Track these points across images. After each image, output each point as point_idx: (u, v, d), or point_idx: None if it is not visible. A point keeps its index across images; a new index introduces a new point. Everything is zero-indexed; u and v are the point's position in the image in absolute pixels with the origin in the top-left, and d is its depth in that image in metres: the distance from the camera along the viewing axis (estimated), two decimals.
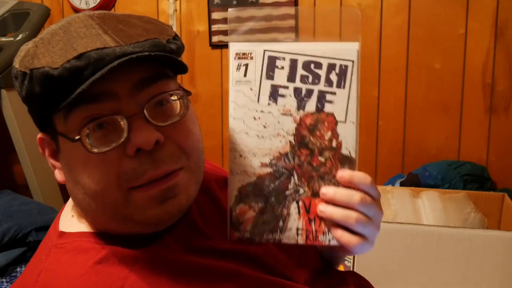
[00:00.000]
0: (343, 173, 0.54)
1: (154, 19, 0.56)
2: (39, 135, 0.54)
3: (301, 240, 0.57)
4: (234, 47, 0.59)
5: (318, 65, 0.57)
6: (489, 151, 1.89)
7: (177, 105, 0.52)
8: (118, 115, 0.48)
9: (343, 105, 0.56)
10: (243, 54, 0.59)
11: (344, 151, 0.56)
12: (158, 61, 0.50)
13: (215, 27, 2.13)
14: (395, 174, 1.93)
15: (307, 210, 0.57)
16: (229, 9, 0.59)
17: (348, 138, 0.56)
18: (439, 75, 1.90)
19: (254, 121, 0.58)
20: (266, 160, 0.58)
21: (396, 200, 1.56)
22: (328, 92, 0.56)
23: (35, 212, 1.63)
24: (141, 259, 0.50)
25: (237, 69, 0.58)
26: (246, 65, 0.59)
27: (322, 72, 0.57)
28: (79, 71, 0.45)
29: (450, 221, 1.45)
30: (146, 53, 0.46)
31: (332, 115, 0.56)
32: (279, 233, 0.58)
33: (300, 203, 0.58)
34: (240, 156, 0.58)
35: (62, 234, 0.54)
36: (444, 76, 1.90)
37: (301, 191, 0.57)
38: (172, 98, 0.52)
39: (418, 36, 1.90)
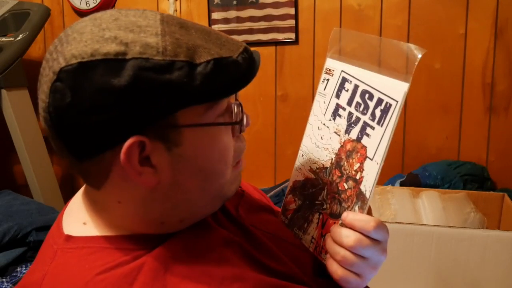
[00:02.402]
0: (347, 216, 0.55)
1: None
2: (133, 139, 0.46)
3: (311, 248, 0.62)
4: (327, 62, 0.64)
5: (371, 97, 0.56)
6: (489, 151, 1.89)
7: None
8: (234, 102, 0.55)
9: (376, 142, 0.54)
10: (329, 70, 0.64)
11: (362, 187, 0.55)
12: None
13: (215, 27, 2.12)
14: (395, 174, 1.93)
15: (323, 226, 0.60)
16: (334, 28, 0.63)
17: (369, 177, 0.55)
18: (439, 75, 1.90)
19: (317, 130, 0.64)
20: (314, 167, 0.63)
21: (396, 200, 1.56)
22: (369, 126, 0.56)
23: (35, 212, 1.63)
24: (148, 263, 0.50)
25: (322, 81, 0.64)
26: (328, 80, 0.63)
27: (372, 104, 0.56)
28: (249, 62, 0.51)
29: (450, 221, 1.46)
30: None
31: (366, 148, 0.56)
32: (302, 233, 0.64)
33: (321, 216, 0.61)
34: (302, 155, 0.66)
35: (69, 238, 0.53)
36: (444, 76, 1.90)
37: (324, 206, 0.60)
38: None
39: (418, 36, 1.91)
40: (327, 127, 0.61)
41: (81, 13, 2.33)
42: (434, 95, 1.92)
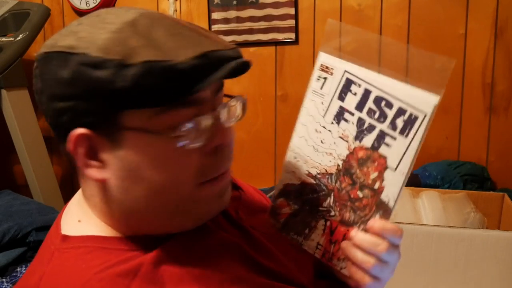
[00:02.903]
0: (375, 224, 0.54)
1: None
2: (80, 130, 0.47)
3: (317, 254, 0.60)
4: (322, 57, 0.59)
5: (389, 105, 0.53)
6: (489, 151, 1.89)
7: (237, 108, 0.55)
8: (206, 115, 0.50)
9: (399, 153, 0.52)
10: (326, 67, 0.59)
11: (384, 197, 0.54)
12: None
13: (215, 27, 2.13)
14: None
15: (332, 232, 0.59)
16: (329, 20, 0.58)
17: (393, 187, 0.53)
18: None
19: (315, 133, 0.60)
20: (313, 171, 0.60)
21: None
22: (388, 135, 0.53)
23: (35, 212, 1.63)
24: (145, 264, 0.50)
25: (317, 79, 0.60)
26: (325, 79, 0.59)
27: (390, 113, 0.53)
28: (201, 69, 0.46)
29: (450, 221, 1.45)
30: (248, 60, 0.50)
31: (385, 158, 0.54)
32: (302, 239, 0.61)
33: (328, 223, 0.59)
34: (295, 158, 0.62)
35: (66, 238, 0.53)
36: None
37: (332, 213, 0.59)
38: (234, 102, 0.55)
39: (418, 36, 1.90)
40: (329, 130, 0.58)
41: (81, 13, 2.33)
42: None
